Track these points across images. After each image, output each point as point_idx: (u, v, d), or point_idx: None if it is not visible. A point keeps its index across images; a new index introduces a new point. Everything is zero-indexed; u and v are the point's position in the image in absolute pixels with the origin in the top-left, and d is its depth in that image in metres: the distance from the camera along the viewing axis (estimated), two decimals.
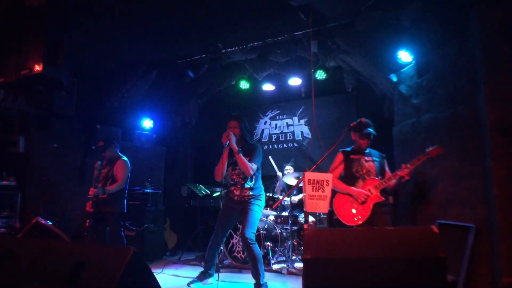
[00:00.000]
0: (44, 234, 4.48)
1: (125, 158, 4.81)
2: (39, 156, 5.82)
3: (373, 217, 3.59)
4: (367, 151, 3.86)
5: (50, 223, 4.66)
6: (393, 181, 3.63)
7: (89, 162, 6.26)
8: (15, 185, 5.56)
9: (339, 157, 3.93)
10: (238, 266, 5.28)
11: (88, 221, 4.47)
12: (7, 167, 5.65)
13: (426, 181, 4.24)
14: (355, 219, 3.64)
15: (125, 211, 4.72)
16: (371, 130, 3.76)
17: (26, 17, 3.24)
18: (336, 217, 3.78)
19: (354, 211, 3.68)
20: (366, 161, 3.80)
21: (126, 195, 4.80)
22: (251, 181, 4.12)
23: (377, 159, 3.84)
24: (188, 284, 4.26)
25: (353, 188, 3.73)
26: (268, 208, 5.58)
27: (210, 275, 4.32)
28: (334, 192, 3.79)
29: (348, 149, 3.96)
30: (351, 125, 3.78)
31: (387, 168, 3.89)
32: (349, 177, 3.83)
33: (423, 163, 3.55)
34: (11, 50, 3.29)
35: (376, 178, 3.70)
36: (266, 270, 5.08)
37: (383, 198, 3.62)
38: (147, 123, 7.32)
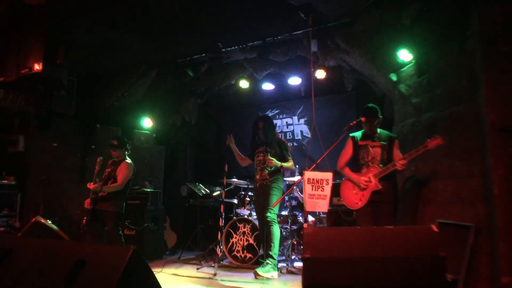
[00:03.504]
0: (43, 233, 4.48)
1: (130, 161, 4.81)
2: (39, 155, 5.81)
3: (375, 206, 3.76)
4: (377, 133, 3.98)
5: (49, 222, 4.68)
6: (391, 170, 3.74)
7: (89, 162, 6.25)
8: (15, 184, 5.56)
9: (349, 142, 4.09)
10: (237, 265, 5.28)
11: (85, 218, 4.46)
12: (7, 166, 5.65)
13: (426, 181, 4.24)
14: (355, 203, 3.85)
15: (123, 212, 4.71)
16: (377, 114, 3.93)
17: (26, 16, 3.24)
18: (339, 203, 4.10)
19: (355, 195, 3.88)
20: (372, 147, 3.91)
21: (125, 197, 4.80)
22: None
23: (384, 142, 3.91)
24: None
25: (355, 175, 3.91)
26: None
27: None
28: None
29: (359, 133, 4.08)
30: (351, 124, 3.85)
31: (396, 149, 3.93)
32: (356, 163, 4.01)
33: (421, 155, 3.60)
34: (11, 49, 3.29)
35: (377, 167, 3.80)
36: None
37: (380, 187, 3.73)
38: (147, 123, 7.31)
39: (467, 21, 3.72)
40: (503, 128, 3.26)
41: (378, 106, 4.03)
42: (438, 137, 3.48)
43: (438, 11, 4.18)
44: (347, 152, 4.08)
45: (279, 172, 4.92)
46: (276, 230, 4.62)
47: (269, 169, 4.84)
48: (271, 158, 4.76)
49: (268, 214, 4.65)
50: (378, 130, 3.99)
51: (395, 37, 4.68)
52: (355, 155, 4.01)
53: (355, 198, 3.88)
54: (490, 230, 3.37)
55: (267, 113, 7.68)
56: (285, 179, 6.06)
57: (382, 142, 3.92)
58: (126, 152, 4.89)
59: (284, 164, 4.83)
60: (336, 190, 4.42)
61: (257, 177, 4.96)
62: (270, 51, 5.80)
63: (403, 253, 2.10)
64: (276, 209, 4.75)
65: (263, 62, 6.14)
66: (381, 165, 3.82)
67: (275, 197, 4.68)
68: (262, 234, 4.78)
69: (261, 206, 4.80)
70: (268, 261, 4.47)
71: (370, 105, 4.02)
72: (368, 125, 3.94)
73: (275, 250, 4.54)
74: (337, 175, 4.44)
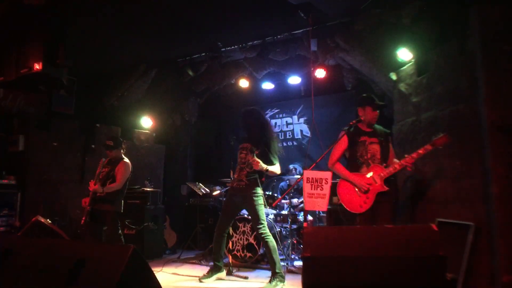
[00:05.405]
0: (43, 233, 4.48)
1: (127, 160, 4.81)
2: (39, 155, 5.81)
3: (375, 205, 3.52)
4: (373, 128, 3.76)
5: (49, 221, 4.67)
6: (397, 171, 3.56)
7: (89, 161, 6.26)
8: (15, 184, 5.56)
9: (343, 137, 3.74)
10: (237, 265, 5.28)
11: (83, 219, 4.46)
12: (7, 166, 5.65)
13: (425, 180, 4.25)
14: (359, 206, 3.57)
15: (122, 211, 4.71)
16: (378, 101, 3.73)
17: (26, 16, 3.25)
18: (339, 203, 3.73)
19: (358, 198, 3.59)
20: (370, 143, 3.67)
21: (123, 196, 4.80)
22: None
23: (382, 138, 3.71)
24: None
25: (356, 177, 3.63)
26: (268, 207, 5.59)
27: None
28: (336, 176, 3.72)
29: (353, 128, 3.77)
30: (351, 123, 3.72)
31: (391, 147, 3.79)
32: (354, 161, 3.71)
33: (428, 153, 3.48)
34: (11, 49, 3.30)
35: (381, 166, 3.58)
36: (265, 269, 5.11)
37: (386, 188, 3.52)
38: (146, 122, 7.31)
39: (467, 20, 3.72)
40: (503, 127, 3.26)
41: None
42: (443, 135, 3.38)
43: (438, 10, 4.18)
44: (341, 147, 3.74)
45: (256, 175, 4.35)
46: (272, 244, 4.25)
47: (248, 170, 4.31)
48: (257, 160, 4.16)
49: (262, 231, 4.25)
50: (375, 125, 3.79)
51: (395, 36, 4.68)
52: (352, 152, 3.72)
53: (358, 201, 3.56)
54: (490, 229, 3.37)
55: (266, 112, 7.67)
56: (287, 177, 6.09)
57: (379, 138, 3.69)
58: (122, 151, 4.89)
59: (270, 168, 4.25)
60: (333, 190, 4.19)
61: (235, 176, 4.45)
62: (270, 50, 5.80)
63: (403, 252, 2.10)
64: (264, 219, 4.34)
65: (262, 61, 6.15)
66: (384, 164, 3.61)
67: (261, 207, 4.31)
68: (219, 239, 4.47)
69: (232, 211, 4.55)
70: (275, 278, 4.18)
71: (365, 94, 3.82)
72: (376, 114, 3.70)
73: (278, 264, 4.22)
74: (336, 174, 4.29)
